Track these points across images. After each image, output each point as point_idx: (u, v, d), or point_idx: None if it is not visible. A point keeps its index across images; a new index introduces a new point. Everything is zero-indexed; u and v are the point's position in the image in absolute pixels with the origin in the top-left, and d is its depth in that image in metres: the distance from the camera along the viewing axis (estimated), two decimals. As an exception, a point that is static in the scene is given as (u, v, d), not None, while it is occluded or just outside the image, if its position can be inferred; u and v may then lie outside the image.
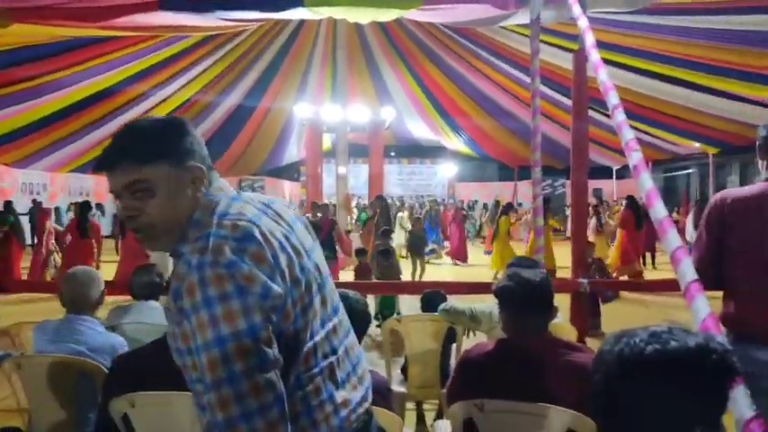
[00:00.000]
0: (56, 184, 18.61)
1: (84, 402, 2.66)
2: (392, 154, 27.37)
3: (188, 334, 1.19)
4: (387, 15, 6.07)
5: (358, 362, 1.45)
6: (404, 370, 3.87)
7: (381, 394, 2.09)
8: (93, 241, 9.40)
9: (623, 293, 8.41)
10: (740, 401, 1.56)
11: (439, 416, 3.69)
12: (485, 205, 17.53)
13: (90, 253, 9.19)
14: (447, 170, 26.62)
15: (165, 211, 1.28)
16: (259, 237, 1.22)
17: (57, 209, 14.87)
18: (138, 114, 12.49)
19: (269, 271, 1.19)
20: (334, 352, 1.36)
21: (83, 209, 9.60)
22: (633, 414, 0.99)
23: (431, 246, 14.90)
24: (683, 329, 1.02)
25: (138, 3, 5.37)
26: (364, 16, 6.33)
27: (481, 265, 13.21)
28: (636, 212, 10.58)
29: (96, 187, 19.73)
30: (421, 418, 3.98)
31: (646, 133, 12.63)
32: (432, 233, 15.43)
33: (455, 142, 19.21)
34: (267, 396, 1.13)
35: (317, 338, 1.31)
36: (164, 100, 12.45)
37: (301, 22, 10.91)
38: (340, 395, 1.33)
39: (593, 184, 21.86)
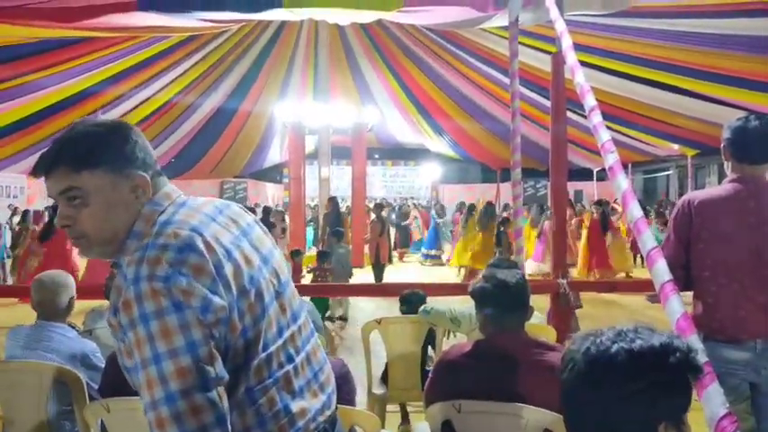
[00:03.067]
0: (33, 187, 18.32)
1: (58, 409, 2.62)
2: (376, 156, 27.36)
3: (130, 350, 1.14)
4: (367, 17, 6.09)
5: (320, 368, 1.41)
6: (385, 373, 3.87)
7: (342, 379, 2.08)
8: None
9: (601, 295, 8.47)
10: (713, 399, 1.58)
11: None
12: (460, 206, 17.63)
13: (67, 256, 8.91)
14: (431, 172, 26.68)
15: (98, 222, 1.22)
16: (201, 246, 1.16)
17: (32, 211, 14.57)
18: (119, 115, 12.37)
19: (210, 283, 1.14)
20: (291, 360, 1.31)
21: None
22: (599, 411, 1.01)
23: (432, 251, 14.59)
24: (648, 328, 1.04)
25: (115, 3, 5.32)
26: (344, 17, 6.34)
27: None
28: (602, 217, 10.72)
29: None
30: (406, 421, 3.97)
31: (625, 135, 12.79)
32: (435, 238, 14.79)
33: (438, 144, 19.29)
34: (207, 416, 1.08)
35: (272, 348, 1.26)
36: (144, 101, 12.34)
37: (282, 24, 10.88)
38: (297, 405, 1.28)
39: (573, 185, 22.19)
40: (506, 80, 6.25)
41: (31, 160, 12.86)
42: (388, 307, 7.05)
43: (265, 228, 1.45)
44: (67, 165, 1.21)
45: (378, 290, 6.46)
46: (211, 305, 1.12)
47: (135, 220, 1.24)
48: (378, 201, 15.69)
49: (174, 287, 1.10)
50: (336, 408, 1.44)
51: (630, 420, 0.99)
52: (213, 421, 1.09)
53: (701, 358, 1.62)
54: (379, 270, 10.28)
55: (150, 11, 5.20)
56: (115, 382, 2.22)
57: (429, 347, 3.80)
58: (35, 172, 1.24)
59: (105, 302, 3.42)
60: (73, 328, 2.85)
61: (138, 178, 1.25)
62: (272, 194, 25.32)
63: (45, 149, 1.25)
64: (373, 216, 11.47)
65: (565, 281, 4.38)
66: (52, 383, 2.54)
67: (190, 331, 1.10)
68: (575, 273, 10.05)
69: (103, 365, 2.56)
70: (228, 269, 1.18)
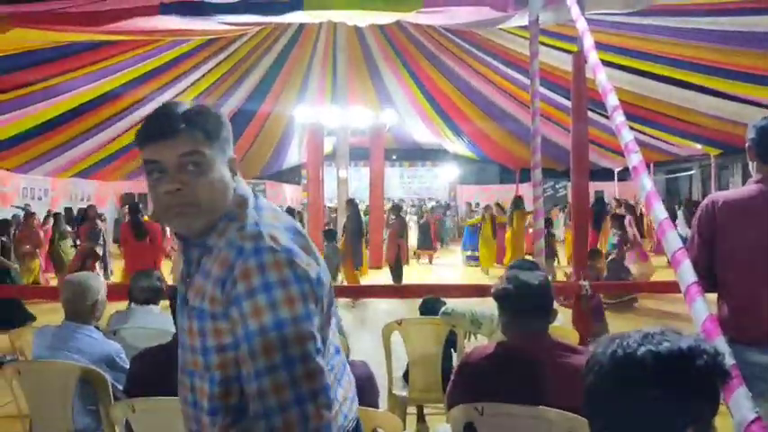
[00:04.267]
0: (57, 188, 18.62)
1: (84, 409, 2.66)
2: (393, 157, 27.33)
3: (225, 328, 1.18)
4: (386, 18, 6.09)
5: (346, 362, 1.47)
6: (405, 374, 3.86)
7: (367, 381, 2.09)
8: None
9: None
10: (742, 404, 1.55)
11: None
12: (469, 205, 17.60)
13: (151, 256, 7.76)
14: (448, 173, 26.60)
15: (212, 193, 1.24)
16: (300, 229, 1.28)
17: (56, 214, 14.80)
18: (140, 119, 12.52)
19: (314, 262, 1.22)
20: (338, 352, 1.38)
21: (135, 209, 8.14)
22: (625, 415, 1.00)
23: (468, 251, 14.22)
24: (675, 331, 1.03)
25: (138, 7, 5.39)
26: (363, 19, 6.35)
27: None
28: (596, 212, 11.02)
29: (97, 192, 19.74)
30: (422, 420, 3.97)
31: (647, 135, 12.63)
32: (472, 238, 14.28)
33: (456, 145, 19.23)
34: (319, 381, 1.13)
35: (331, 336, 1.32)
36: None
37: (301, 26, 10.93)
38: (340, 394, 1.33)
39: (594, 186, 21.89)
40: (525, 80, 6.22)
41: (55, 162, 13.13)
42: (408, 308, 7.05)
43: None
44: (199, 130, 1.23)
45: (398, 291, 6.45)
46: (321, 280, 1.21)
47: (229, 199, 1.28)
48: (396, 202, 15.67)
49: (297, 259, 1.17)
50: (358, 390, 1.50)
51: (657, 424, 0.97)
52: (322, 388, 1.14)
53: (728, 361, 1.60)
54: (398, 271, 10.29)
55: (171, 15, 5.26)
56: (140, 383, 2.25)
57: (451, 350, 3.79)
58: (155, 135, 1.22)
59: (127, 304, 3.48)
60: (98, 329, 2.89)
61: (234, 162, 1.32)
62: (290, 196, 25.44)
63: (157, 114, 1.25)
64: (392, 216, 11.46)
65: (587, 283, 4.34)
66: (77, 383, 2.58)
67: (308, 301, 1.16)
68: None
69: (128, 366, 2.59)
70: (317, 254, 1.27)
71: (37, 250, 9.95)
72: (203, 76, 12.05)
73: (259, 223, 1.22)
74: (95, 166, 15.50)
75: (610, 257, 9.06)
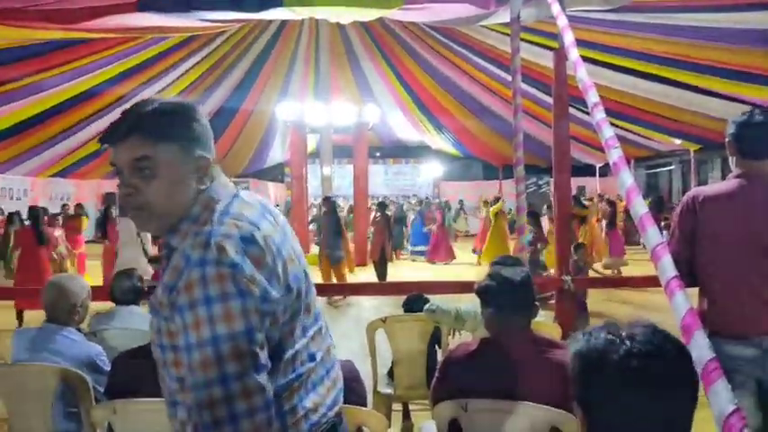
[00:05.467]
0: (36, 188, 18.36)
1: (64, 411, 2.62)
2: (377, 154, 27.34)
3: (175, 330, 1.17)
4: (368, 15, 6.07)
5: (332, 366, 1.46)
6: (390, 372, 3.86)
7: (354, 381, 2.09)
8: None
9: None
10: (721, 396, 1.57)
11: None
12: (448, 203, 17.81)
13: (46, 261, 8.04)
14: (432, 170, 26.67)
15: (163, 196, 1.24)
16: (260, 240, 1.20)
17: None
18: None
19: (267, 275, 1.19)
20: (312, 359, 1.36)
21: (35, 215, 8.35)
22: (602, 409, 1.01)
23: (419, 247, 14.86)
24: (644, 326, 1.03)
25: (115, 4, 5.31)
26: (346, 16, 6.32)
27: (467, 263, 13.27)
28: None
29: (78, 192, 19.49)
30: (407, 417, 3.97)
31: (627, 131, 12.75)
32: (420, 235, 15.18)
33: (440, 142, 19.27)
34: (257, 400, 1.12)
35: (299, 346, 1.31)
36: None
37: (283, 23, 10.87)
38: (311, 401, 1.33)
39: (576, 181, 22.11)
40: (508, 77, 6.23)
41: (35, 162, 12.93)
42: (392, 305, 7.05)
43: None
44: (146, 134, 1.22)
45: (383, 288, 6.45)
46: (269, 296, 1.18)
47: (193, 201, 1.27)
48: (380, 199, 15.68)
49: (240, 274, 1.14)
50: (345, 391, 1.51)
51: (634, 419, 0.98)
52: (262, 405, 1.13)
53: (707, 354, 1.62)
54: (383, 268, 10.26)
55: (150, 11, 5.20)
56: (121, 384, 2.23)
57: (435, 346, 3.80)
58: (107, 139, 1.24)
59: (110, 305, 3.43)
60: (79, 330, 2.85)
61: (203, 160, 1.28)
62: (274, 194, 25.33)
63: (117, 119, 1.26)
64: (377, 214, 11.43)
65: (569, 278, 4.38)
66: (58, 386, 2.54)
67: (249, 318, 1.14)
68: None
69: (109, 368, 2.56)
70: (279, 265, 1.23)
71: None
72: (184, 73, 11.92)
73: (213, 232, 1.18)
74: (75, 165, 15.29)
75: (530, 255, 9.09)
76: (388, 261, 10.61)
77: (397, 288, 5.76)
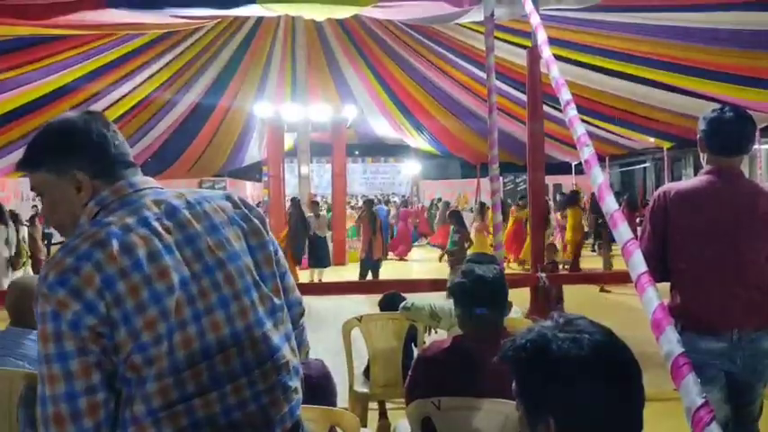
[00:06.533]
0: (7, 188, 17.99)
1: (30, 416, 2.55)
2: (356, 153, 27.34)
3: None
4: (343, 12, 6.04)
5: (273, 386, 1.31)
6: (366, 370, 3.85)
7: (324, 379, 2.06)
8: None
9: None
10: (691, 390, 1.59)
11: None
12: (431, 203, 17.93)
13: None
14: (411, 168, 26.72)
15: (50, 214, 1.37)
16: (100, 256, 1.16)
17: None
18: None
19: (93, 295, 1.14)
20: (217, 384, 1.23)
21: None
22: (550, 409, 1.00)
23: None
24: (591, 322, 1.03)
25: (86, 0, 5.20)
26: (320, 13, 6.28)
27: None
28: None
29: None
30: (384, 416, 3.96)
31: (602, 129, 12.90)
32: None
33: (418, 140, 19.29)
34: (68, 427, 1.11)
35: (186, 373, 1.20)
36: (120, 99, 12.17)
37: (260, 20, 10.78)
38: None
39: (552, 179, 22.36)
40: (485, 75, 6.26)
41: (7, 161, 12.64)
42: (371, 304, 7.03)
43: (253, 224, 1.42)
44: (26, 165, 1.36)
45: (360, 287, 6.43)
46: (81, 321, 1.13)
47: (81, 213, 1.31)
48: (369, 197, 15.72)
49: (53, 297, 1.13)
50: (299, 416, 1.39)
51: (585, 419, 0.98)
52: (70, 429, 1.12)
53: (678, 349, 1.63)
54: (366, 267, 9.96)
55: (121, 8, 5.10)
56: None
57: (412, 345, 3.79)
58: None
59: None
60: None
61: (79, 178, 1.31)
62: (251, 193, 25.15)
63: None
64: (363, 212, 11.35)
65: (544, 274, 4.40)
66: (24, 391, 2.47)
67: (62, 342, 1.13)
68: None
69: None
70: (126, 283, 1.16)
71: None
72: (160, 69, 11.76)
73: (63, 246, 1.21)
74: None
75: (452, 255, 9.08)
76: (379, 260, 10.35)
77: (373, 287, 5.76)
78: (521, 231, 11.82)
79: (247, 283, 1.32)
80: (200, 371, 1.22)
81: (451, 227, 9.62)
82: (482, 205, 11.81)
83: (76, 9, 5.25)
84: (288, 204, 11.49)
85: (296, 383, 1.38)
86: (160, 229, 1.25)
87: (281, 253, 1.50)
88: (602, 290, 8.54)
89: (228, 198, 1.42)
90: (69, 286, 1.13)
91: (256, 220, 1.43)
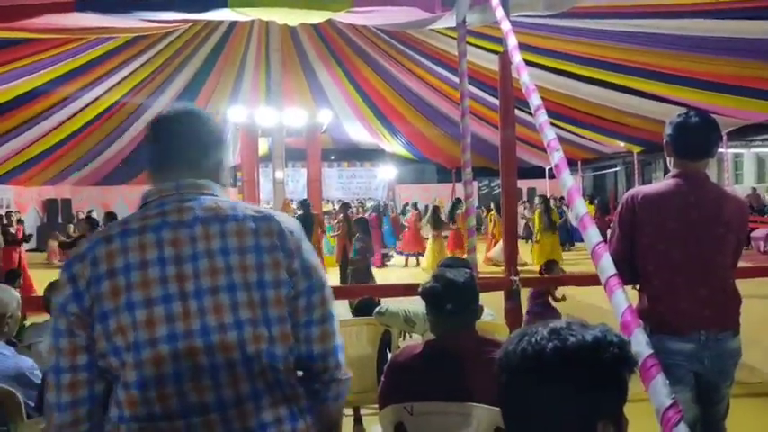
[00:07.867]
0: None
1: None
2: (332, 158, 27.25)
3: None
4: (316, 17, 6.02)
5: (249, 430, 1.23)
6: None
7: None
8: None
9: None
10: (660, 391, 1.60)
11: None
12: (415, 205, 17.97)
13: None
14: (387, 173, 26.73)
15: None
16: (101, 251, 1.24)
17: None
18: (65, 117, 11.92)
19: (83, 287, 1.22)
20: (189, 412, 1.19)
21: None
22: (537, 412, 0.99)
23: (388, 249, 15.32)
24: (581, 324, 1.02)
25: (52, 2, 5.09)
26: (293, 18, 6.25)
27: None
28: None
29: (17, 198, 18.68)
30: (359, 422, 3.94)
31: (573, 134, 13.07)
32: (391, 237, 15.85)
33: (393, 145, 19.32)
34: (52, 396, 1.22)
35: (154, 392, 1.18)
36: (90, 103, 11.96)
37: (233, 24, 10.68)
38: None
39: (527, 183, 22.58)
40: (457, 80, 6.30)
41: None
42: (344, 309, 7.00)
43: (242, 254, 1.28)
44: None
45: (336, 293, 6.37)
46: (67, 306, 1.22)
47: None
48: (345, 201, 15.69)
49: (62, 274, 1.26)
50: None
51: (569, 419, 0.97)
52: (54, 403, 1.21)
53: (644, 351, 1.65)
54: (345, 271, 9.93)
55: (89, 11, 5.00)
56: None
57: (386, 350, 3.79)
58: None
59: (46, 317, 3.28)
60: (14, 344, 2.71)
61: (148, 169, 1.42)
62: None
63: None
64: (340, 216, 11.29)
65: (517, 278, 4.42)
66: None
67: (57, 319, 1.23)
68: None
69: (41, 382, 2.43)
70: (110, 284, 1.21)
71: None
72: (131, 73, 11.57)
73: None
74: (14, 170, 14.66)
75: (353, 265, 8.82)
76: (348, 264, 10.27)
77: (349, 292, 5.73)
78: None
79: (239, 317, 1.22)
80: (169, 395, 1.18)
81: (356, 234, 9.21)
82: (435, 210, 12.21)
83: (43, 12, 5.13)
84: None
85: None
86: (168, 238, 1.24)
87: (313, 299, 1.34)
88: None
89: (268, 221, 1.32)
90: (71, 271, 1.24)
91: (281, 254, 1.28)
